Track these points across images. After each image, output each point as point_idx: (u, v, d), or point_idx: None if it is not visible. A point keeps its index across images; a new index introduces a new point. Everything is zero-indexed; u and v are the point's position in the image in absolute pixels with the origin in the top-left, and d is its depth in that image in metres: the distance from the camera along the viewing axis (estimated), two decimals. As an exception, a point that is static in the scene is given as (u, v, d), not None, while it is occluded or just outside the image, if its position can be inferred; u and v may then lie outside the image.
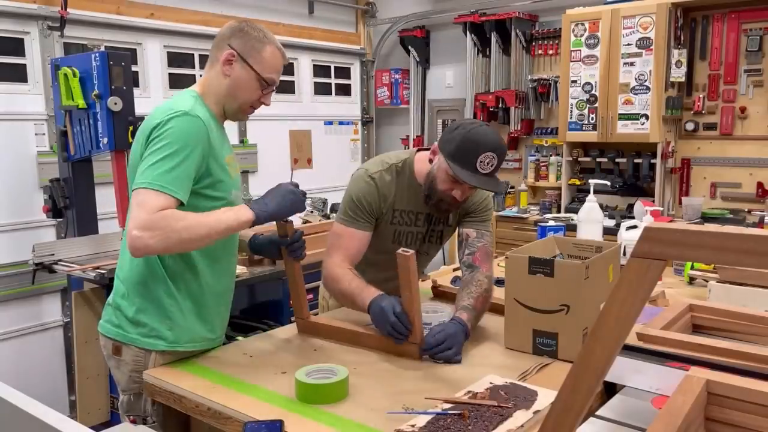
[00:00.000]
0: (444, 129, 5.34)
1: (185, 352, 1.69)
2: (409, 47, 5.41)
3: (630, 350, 1.32)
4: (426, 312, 1.74)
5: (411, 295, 1.62)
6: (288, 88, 5.05)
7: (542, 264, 1.64)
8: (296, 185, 1.69)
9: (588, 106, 4.22)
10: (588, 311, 1.61)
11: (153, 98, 4.07)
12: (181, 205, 1.52)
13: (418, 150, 2.06)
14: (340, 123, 5.50)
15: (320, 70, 5.32)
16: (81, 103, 2.93)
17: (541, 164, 4.78)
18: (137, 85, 3.95)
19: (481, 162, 1.78)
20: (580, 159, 4.41)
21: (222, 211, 1.57)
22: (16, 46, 3.52)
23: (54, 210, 3.31)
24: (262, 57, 1.68)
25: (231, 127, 4.59)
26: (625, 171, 4.29)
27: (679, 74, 4.00)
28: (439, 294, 2.29)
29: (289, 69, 5.07)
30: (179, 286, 1.67)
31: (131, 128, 2.87)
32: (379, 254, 2.01)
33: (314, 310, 2.35)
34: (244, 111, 1.74)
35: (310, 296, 2.17)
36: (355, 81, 5.69)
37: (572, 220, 3.86)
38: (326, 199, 4.25)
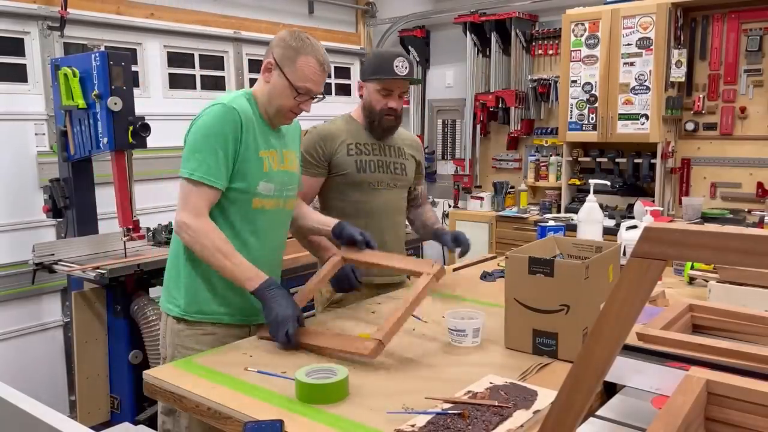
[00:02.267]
0: (442, 128, 5.38)
1: (196, 323, 1.84)
2: (409, 47, 5.41)
3: (630, 350, 1.32)
4: (462, 318, 1.75)
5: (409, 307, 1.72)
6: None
7: (542, 264, 1.64)
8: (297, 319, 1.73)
9: (588, 106, 4.22)
10: (588, 311, 1.61)
11: (153, 98, 4.08)
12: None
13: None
14: (340, 123, 5.50)
15: (320, 70, 5.32)
16: (81, 103, 2.92)
17: (541, 164, 4.78)
18: (137, 85, 3.95)
19: (397, 66, 2.18)
20: (580, 159, 4.41)
21: (239, 266, 1.75)
22: (16, 46, 3.52)
23: (54, 210, 3.31)
24: (295, 66, 1.80)
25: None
26: (625, 171, 4.30)
27: (679, 74, 4.00)
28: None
29: (289, 69, 5.06)
30: (192, 257, 1.82)
31: (131, 128, 2.87)
32: (355, 196, 2.28)
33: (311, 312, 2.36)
34: (284, 116, 1.88)
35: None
36: (355, 81, 5.69)
37: (572, 220, 3.86)
38: (326, 199, 4.25)
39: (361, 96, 2.32)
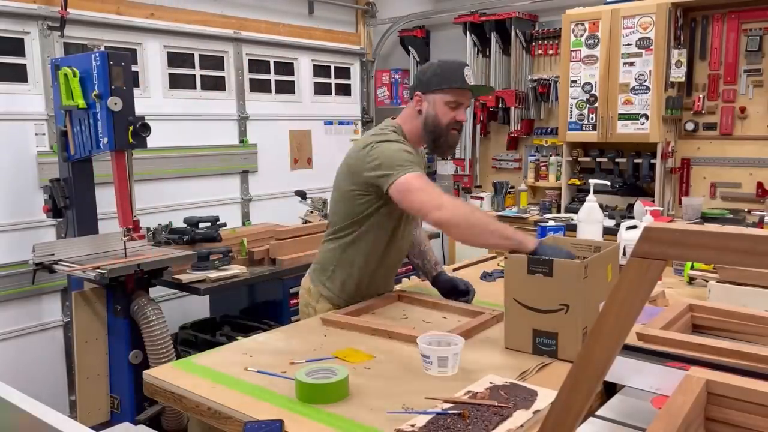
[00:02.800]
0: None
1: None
2: (409, 47, 5.41)
3: (630, 350, 1.32)
4: (438, 344, 1.61)
5: None
6: (288, 88, 5.05)
7: (541, 264, 1.64)
8: None
9: (588, 106, 4.22)
10: (587, 311, 1.61)
11: (153, 98, 4.07)
12: None
13: (391, 119, 2.17)
14: (340, 123, 5.50)
15: (320, 70, 5.32)
16: (81, 103, 2.92)
17: (541, 164, 4.78)
18: (137, 85, 3.95)
19: (467, 76, 2.04)
20: (580, 159, 4.41)
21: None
22: (16, 46, 3.52)
23: (54, 210, 3.31)
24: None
25: (230, 127, 4.60)
26: (625, 171, 4.30)
27: (679, 74, 4.00)
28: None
29: (289, 69, 5.07)
30: None
31: (131, 128, 2.87)
32: (391, 222, 2.07)
33: (296, 316, 2.34)
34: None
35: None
36: (355, 81, 5.68)
37: (572, 220, 3.86)
38: (326, 200, 4.25)
39: (419, 111, 2.07)
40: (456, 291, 2.20)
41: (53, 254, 2.97)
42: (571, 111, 4.30)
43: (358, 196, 2.02)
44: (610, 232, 3.22)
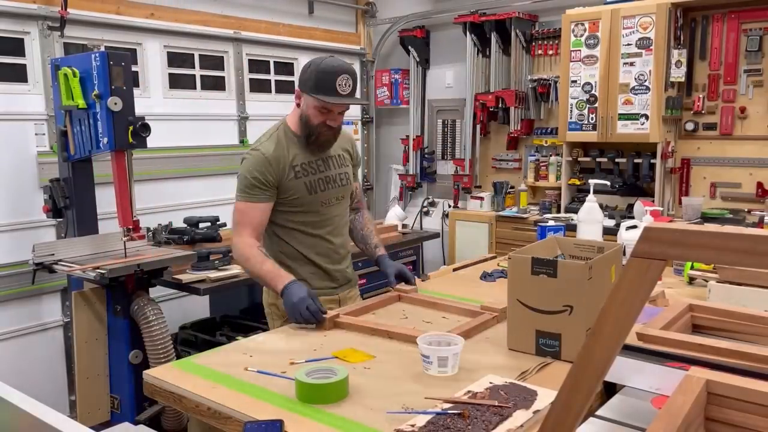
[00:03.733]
0: (442, 128, 5.37)
1: None
2: (409, 47, 5.41)
3: (630, 350, 1.32)
4: (438, 344, 1.60)
5: None
6: (288, 88, 5.05)
7: (545, 264, 1.64)
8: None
9: (588, 106, 4.22)
10: (591, 312, 1.60)
11: (153, 98, 4.08)
12: None
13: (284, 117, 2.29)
14: (340, 123, 5.50)
15: (320, 70, 5.32)
16: (81, 103, 2.92)
17: (541, 164, 4.78)
18: (137, 85, 3.95)
19: (340, 85, 2.06)
20: (580, 159, 4.41)
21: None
22: (16, 46, 3.52)
23: (54, 210, 3.31)
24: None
25: (230, 127, 4.60)
26: (625, 171, 4.29)
27: (679, 74, 4.00)
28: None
29: (289, 69, 5.07)
30: None
31: (131, 128, 2.87)
32: (307, 217, 2.21)
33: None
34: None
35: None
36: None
37: (572, 220, 3.86)
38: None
39: (297, 105, 2.18)
40: (402, 277, 2.31)
41: (53, 254, 2.97)
42: (571, 111, 4.30)
43: None
44: (610, 232, 3.22)
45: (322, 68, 2.07)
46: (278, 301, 2.21)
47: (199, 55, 4.38)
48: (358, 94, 2.23)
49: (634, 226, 2.66)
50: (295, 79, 5.10)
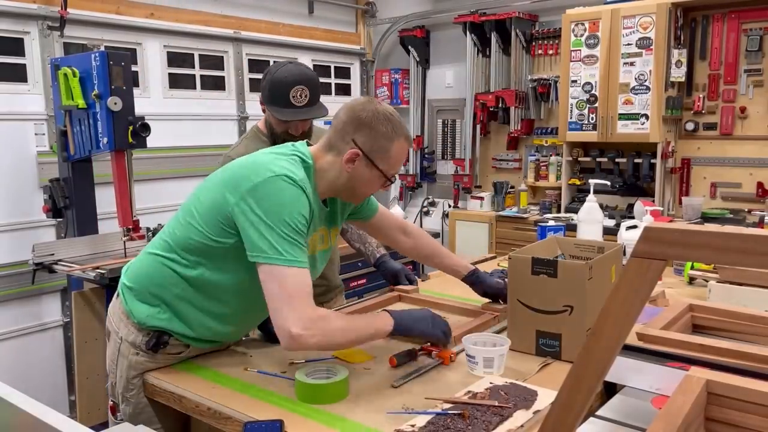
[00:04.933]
0: (442, 128, 5.37)
1: None
2: (409, 47, 5.41)
3: (630, 350, 1.32)
4: (484, 344, 1.57)
5: None
6: (288, 88, 5.05)
7: (545, 264, 1.64)
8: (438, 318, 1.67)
9: (588, 106, 4.22)
10: (592, 312, 1.60)
11: (153, 98, 4.08)
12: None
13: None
14: (340, 123, 5.49)
15: (320, 70, 5.32)
16: (81, 103, 2.92)
17: (541, 164, 4.78)
18: (137, 85, 3.95)
19: (294, 97, 1.96)
20: (580, 159, 4.41)
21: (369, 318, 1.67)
22: (16, 46, 3.52)
23: (54, 210, 3.31)
24: (389, 156, 1.55)
25: (230, 127, 4.59)
26: (625, 171, 4.29)
27: (679, 74, 4.00)
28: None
29: (289, 69, 5.07)
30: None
31: (131, 128, 2.87)
32: None
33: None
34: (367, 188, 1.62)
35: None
36: (355, 81, 5.69)
37: (572, 220, 3.86)
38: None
39: (263, 110, 2.09)
40: (405, 277, 2.23)
41: (53, 254, 2.97)
42: (571, 111, 4.30)
43: None
44: (610, 232, 3.22)
45: (276, 79, 1.97)
46: None
47: (199, 55, 4.39)
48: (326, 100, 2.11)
49: (634, 226, 2.65)
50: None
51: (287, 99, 1.96)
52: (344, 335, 1.46)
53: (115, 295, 1.69)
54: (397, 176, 1.87)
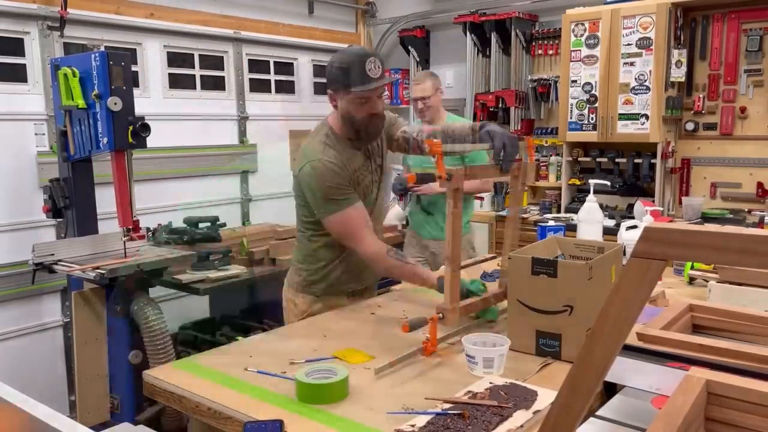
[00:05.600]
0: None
1: None
2: (409, 47, 5.41)
3: (630, 350, 1.32)
4: (483, 344, 1.59)
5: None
6: (288, 88, 5.05)
7: (545, 264, 1.64)
8: None
9: (588, 106, 4.22)
10: (592, 312, 1.60)
11: (153, 98, 4.07)
12: None
13: (326, 120, 2.20)
14: (340, 123, 5.49)
15: (320, 70, 5.32)
16: (81, 103, 2.92)
17: (541, 164, 4.77)
18: (137, 85, 3.95)
19: (370, 70, 1.99)
20: (580, 159, 4.41)
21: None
22: (16, 46, 3.52)
23: (54, 210, 3.30)
24: None
25: (230, 127, 4.59)
26: (625, 171, 4.29)
27: (679, 74, 4.00)
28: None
29: (289, 69, 5.06)
30: None
31: (131, 128, 2.86)
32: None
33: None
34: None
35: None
36: (355, 81, 5.68)
37: (572, 220, 3.86)
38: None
39: (335, 106, 2.11)
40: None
41: (53, 254, 2.97)
42: (571, 111, 4.30)
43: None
44: (610, 232, 3.22)
45: (344, 60, 2.02)
46: (297, 297, 2.24)
47: (199, 55, 4.38)
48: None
49: (634, 226, 2.65)
50: (295, 78, 5.10)
51: (365, 73, 1.98)
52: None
53: None
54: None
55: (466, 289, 1.95)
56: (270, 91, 4.91)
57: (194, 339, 3.58)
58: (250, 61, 4.71)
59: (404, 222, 4.19)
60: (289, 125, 5.00)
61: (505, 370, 1.55)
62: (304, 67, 5.15)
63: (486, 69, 4.97)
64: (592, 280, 1.60)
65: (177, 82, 4.24)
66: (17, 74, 3.53)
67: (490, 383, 1.44)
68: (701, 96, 4.08)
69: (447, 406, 1.33)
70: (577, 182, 4.44)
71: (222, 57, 4.55)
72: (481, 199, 4.82)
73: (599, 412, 1.25)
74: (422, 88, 3.44)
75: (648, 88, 3.97)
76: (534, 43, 4.81)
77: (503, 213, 4.59)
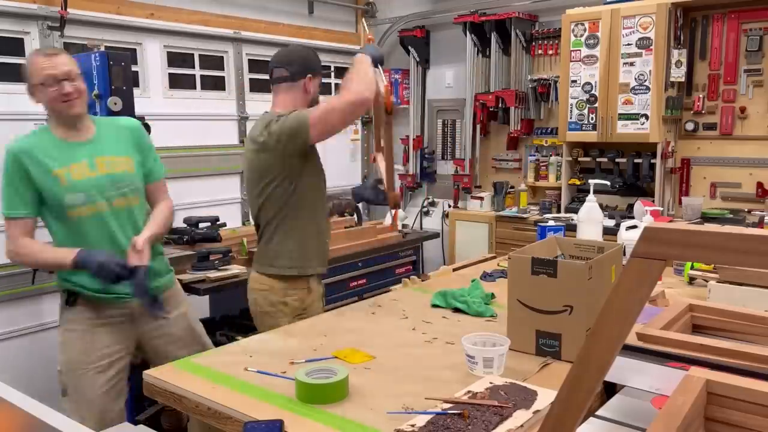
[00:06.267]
0: (442, 128, 5.36)
1: None
2: (409, 47, 5.41)
3: (630, 350, 1.32)
4: (483, 344, 1.59)
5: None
6: (288, 88, 5.05)
7: (545, 264, 1.64)
8: (123, 266, 2.04)
9: (588, 106, 4.22)
10: (591, 312, 1.60)
11: (153, 98, 4.07)
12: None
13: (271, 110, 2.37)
14: (340, 123, 5.49)
15: (320, 70, 5.32)
16: (81, 103, 2.92)
17: (541, 164, 4.78)
18: (137, 85, 3.94)
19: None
20: (580, 159, 4.41)
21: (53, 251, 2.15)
22: (16, 46, 3.52)
23: (54, 210, 3.30)
24: (29, 73, 2.11)
25: (230, 127, 4.59)
26: (625, 171, 4.29)
27: (678, 74, 4.00)
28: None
29: (289, 69, 5.06)
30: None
31: (131, 128, 2.86)
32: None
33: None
34: (58, 109, 2.08)
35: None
36: (355, 81, 5.68)
37: (572, 220, 3.86)
38: (326, 199, 4.25)
39: (307, 91, 2.34)
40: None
41: (53, 254, 2.96)
42: (571, 111, 4.30)
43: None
44: (610, 232, 3.22)
45: (311, 50, 2.44)
46: (287, 297, 2.23)
47: (199, 55, 4.38)
48: None
49: (634, 226, 2.66)
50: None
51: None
52: (34, 262, 2.29)
53: None
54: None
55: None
56: (270, 91, 4.90)
57: (194, 339, 3.57)
58: (250, 61, 4.71)
59: (404, 222, 4.19)
60: (289, 125, 5.00)
61: (505, 370, 1.55)
62: (304, 67, 5.15)
63: (486, 69, 4.97)
64: (592, 280, 1.61)
65: (177, 82, 4.24)
66: (17, 74, 3.52)
67: (490, 383, 1.44)
68: (701, 96, 4.08)
69: (447, 405, 1.33)
70: (577, 182, 4.44)
71: (222, 57, 4.55)
72: (481, 198, 4.82)
73: (599, 412, 1.25)
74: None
75: (648, 88, 3.97)
76: (534, 43, 4.81)
77: (503, 213, 4.60)
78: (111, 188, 2.14)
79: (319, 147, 2.28)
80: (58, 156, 2.08)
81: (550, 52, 4.74)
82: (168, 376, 1.58)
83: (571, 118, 4.30)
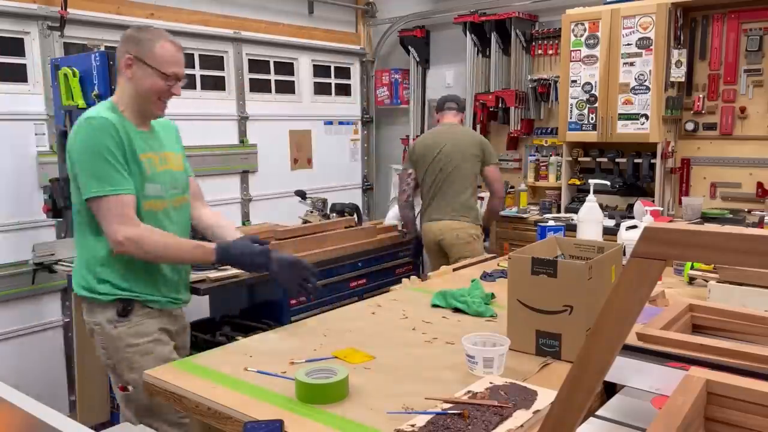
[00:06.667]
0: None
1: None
2: (409, 47, 5.41)
3: (630, 350, 1.32)
4: (484, 344, 1.58)
5: None
6: (288, 88, 5.06)
7: (545, 264, 1.64)
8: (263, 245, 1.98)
9: (588, 106, 4.22)
10: (592, 312, 1.60)
11: (153, 98, 4.07)
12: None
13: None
14: (340, 123, 5.50)
15: (320, 70, 5.33)
16: (81, 103, 2.93)
17: (541, 164, 4.78)
18: (137, 85, 3.94)
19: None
20: (580, 159, 4.41)
21: (194, 245, 1.95)
22: (16, 46, 3.52)
23: (54, 210, 3.31)
24: (155, 54, 1.91)
25: (230, 127, 4.59)
26: (625, 171, 4.29)
27: (678, 74, 4.00)
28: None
29: (289, 69, 5.07)
30: None
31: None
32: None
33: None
34: (156, 104, 1.96)
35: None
36: (355, 81, 5.69)
37: (572, 220, 3.86)
38: (326, 199, 4.26)
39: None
40: None
41: (53, 254, 2.97)
42: (571, 111, 4.30)
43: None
44: (610, 232, 3.22)
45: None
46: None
47: (199, 55, 4.39)
48: None
49: (634, 226, 2.66)
50: (295, 78, 5.10)
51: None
52: (162, 254, 1.91)
53: None
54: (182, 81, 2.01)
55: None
56: (270, 91, 4.91)
57: (194, 339, 3.57)
58: (250, 61, 4.71)
59: (403, 222, 4.18)
60: (289, 125, 5.01)
61: (505, 370, 1.55)
62: (304, 68, 5.16)
63: (486, 69, 4.97)
64: (592, 280, 1.60)
65: (177, 82, 4.24)
66: (17, 74, 3.53)
67: (490, 383, 1.44)
68: (701, 96, 4.08)
69: (447, 405, 1.33)
70: (577, 182, 4.44)
71: (222, 57, 4.55)
72: (481, 199, 4.82)
73: (599, 412, 1.25)
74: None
75: (648, 88, 3.97)
76: (534, 43, 4.81)
77: (503, 213, 4.59)
78: (174, 184, 2.03)
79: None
80: (139, 142, 1.93)
81: (550, 52, 4.74)
82: (168, 376, 1.58)
83: (571, 118, 4.30)
